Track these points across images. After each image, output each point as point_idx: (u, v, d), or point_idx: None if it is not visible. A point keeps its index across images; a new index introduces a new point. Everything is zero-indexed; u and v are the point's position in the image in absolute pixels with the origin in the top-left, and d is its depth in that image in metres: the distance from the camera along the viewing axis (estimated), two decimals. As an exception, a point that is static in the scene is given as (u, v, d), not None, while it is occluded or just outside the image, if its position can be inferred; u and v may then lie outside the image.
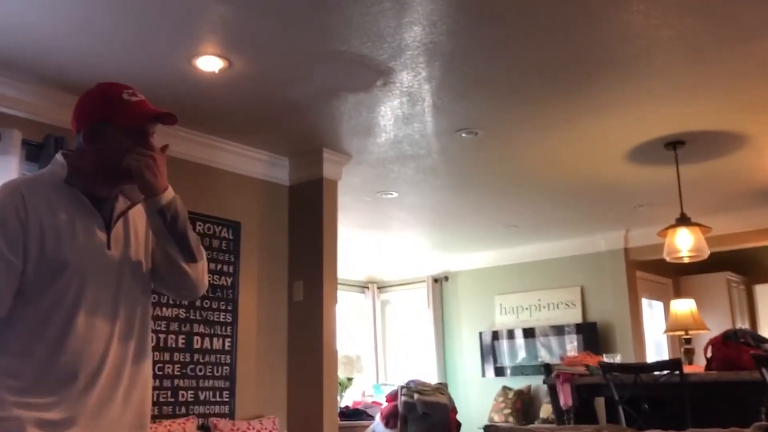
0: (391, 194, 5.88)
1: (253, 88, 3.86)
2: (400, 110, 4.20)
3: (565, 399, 4.22)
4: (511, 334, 7.90)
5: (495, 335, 8.04)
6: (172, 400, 4.15)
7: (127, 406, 1.74)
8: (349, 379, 7.82)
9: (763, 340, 4.05)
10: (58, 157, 1.81)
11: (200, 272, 1.85)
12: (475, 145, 4.80)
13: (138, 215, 1.86)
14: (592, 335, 7.31)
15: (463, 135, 4.58)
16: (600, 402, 4.73)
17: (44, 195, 1.72)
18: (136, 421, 1.77)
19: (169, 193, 1.76)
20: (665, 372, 3.91)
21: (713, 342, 4.04)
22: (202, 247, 1.85)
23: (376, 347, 8.96)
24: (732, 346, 3.91)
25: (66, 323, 1.66)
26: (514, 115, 4.33)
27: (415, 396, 6.12)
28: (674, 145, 4.81)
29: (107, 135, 1.76)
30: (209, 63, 3.53)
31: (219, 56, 3.48)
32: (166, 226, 1.74)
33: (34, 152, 3.69)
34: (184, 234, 1.77)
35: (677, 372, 3.82)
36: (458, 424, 6.32)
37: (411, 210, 6.41)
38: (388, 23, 3.20)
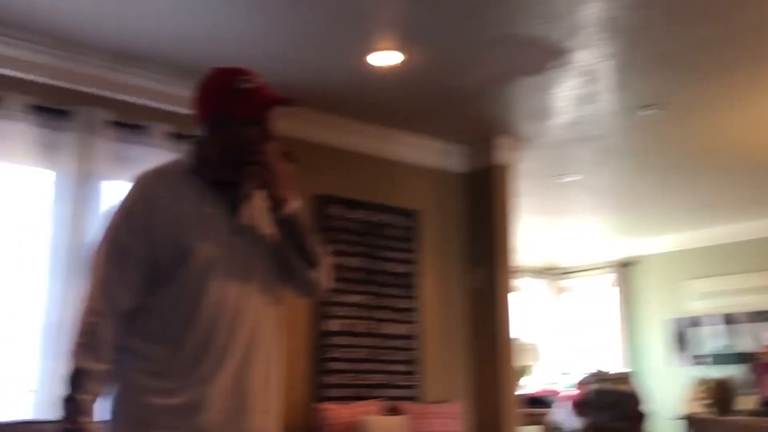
0: (571, 177, 5.71)
1: (426, 78, 3.92)
2: (577, 90, 4.08)
3: (766, 391, 3.90)
4: (706, 321, 7.41)
5: (687, 322, 7.57)
6: (359, 383, 4.33)
7: (261, 389, 1.75)
8: (529, 367, 7.73)
9: None
10: (188, 146, 1.86)
11: (319, 275, 1.85)
12: (659, 123, 4.54)
13: (260, 198, 1.87)
14: (800, 323, 6.67)
15: (647, 112, 4.36)
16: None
17: (171, 184, 1.77)
18: (267, 405, 1.77)
19: (290, 205, 1.80)
20: None
21: None
22: (323, 252, 1.85)
23: (556, 334, 8.77)
24: None
25: (195, 306, 1.69)
26: (699, 89, 4.05)
27: (601, 384, 5.93)
28: None
29: (228, 127, 1.78)
30: (384, 58, 3.64)
31: (393, 50, 3.57)
32: (285, 235, 1.80)
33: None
34: (302, 242, 1.81)
35: None
36: (645, 414, 6.04)
37: (592, 193, 6.19)
38: (562, 2, 3.12)
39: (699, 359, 7.39)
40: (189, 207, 1.76)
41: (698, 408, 6.92)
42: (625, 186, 5.98)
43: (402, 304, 4.59)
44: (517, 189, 5.15)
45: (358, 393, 4.30)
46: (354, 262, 4.44)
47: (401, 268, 4.64)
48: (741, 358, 4.36)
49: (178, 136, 3.62)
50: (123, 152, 3.59)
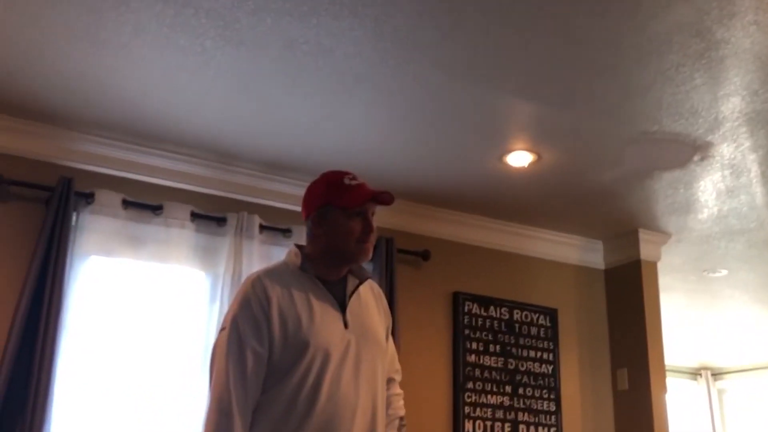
0: (720, 272, 5.42)
1: (562, 176, 3.92)
2: (722, 183, 3.93)
3: None
4: None
5: None
6: (501, 489, 4.18)
7: None
8: (687, 476, 7.14)
9: None
10: (293, 247, 1.97)
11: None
12: (817, 214, 4.27)
13: (367, 292, 1.95)
14: None
15: (803, 204, 4.12)
16: None
17: (283, 282, 1.84)
18: None
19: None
20: None
21: None
22: None
23: (715, 441, 8.09)
24: None
25: (311, 401, 1.73)
26: None
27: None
28: None
29: (331, 217, 1.87)
30: (519, 158, 3.69)
31: (528, 150, 3.62)
32: None
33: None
34: None
35: None
36: None
37: (745, 288, 5.82)
38: (702, 98, 3.08)
39: None
40: (301, 303, 1.83)
41: None
42: (781, 280, 5.59)
43: (543, 405, 4.45)
44: (663, 284, 4.95)
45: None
46: (492, 361, 4.38)
47: (541, 369, 4.52)
48: None
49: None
50: (271, 253, 3.80)
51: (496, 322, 4.48)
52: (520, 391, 4.39)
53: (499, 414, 4.30)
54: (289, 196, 3.98)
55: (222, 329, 1.86)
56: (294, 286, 1.86)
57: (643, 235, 4.68)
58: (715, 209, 4.28)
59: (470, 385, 4.26)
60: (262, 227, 3.82)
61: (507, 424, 4.31)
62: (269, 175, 3.94)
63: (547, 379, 4.51)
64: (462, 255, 4.50)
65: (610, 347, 4.78)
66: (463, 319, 4.36)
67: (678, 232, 4.67)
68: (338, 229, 1.89)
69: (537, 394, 4.45)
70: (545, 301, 4.68)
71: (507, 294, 4.57)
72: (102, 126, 3.48)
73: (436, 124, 3.41)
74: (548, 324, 4.63)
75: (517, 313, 4.55)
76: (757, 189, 3.99)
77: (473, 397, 4.24)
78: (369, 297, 1.98)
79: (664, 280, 5.09)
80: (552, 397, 4.49)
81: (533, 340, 4.55)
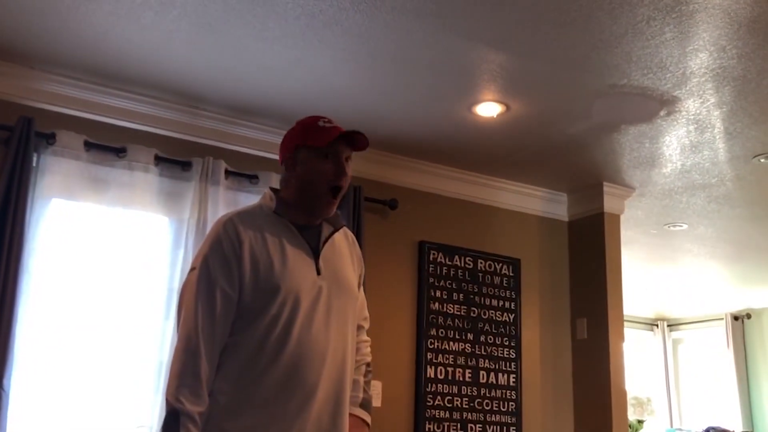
0: (681, 226, 5.53)
1: (529, 128, 3.93)
2: (687, 139, 3.99)
3: None
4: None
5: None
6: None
7: (336, 427, 1.79)
8: (640, 422, 7.42)
9: None
10: (267, 191, 1.95)
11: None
12: (776, 171, 4.36)
13: (342, 240, 1.95)
14: None
15: (762, 161, 4.20)
16: None
17: (255, 225, 1.82)
18: None
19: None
20: None
21: None
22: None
23: (668, 389, 8.39)
24: None
25: (280, 345, 1.73)
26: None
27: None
28: None
29: (303, 157, 1.86)
30: (488, 109, 3.68)
31: (497, 102, 3.62)
32: None
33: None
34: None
35: None
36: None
37: (703, 242, 5.96)
38: (671, 53, 3.09)
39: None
40: (274, 248, 1.81)
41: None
42: (739, 235, 5.73)
43: (503, 353, 4.54)
44: (625, 237, 5.04)
45: (458, 442, 4.27)
46: (455, 309, 4.45)
47: (503, 317, 4.61)
48: None
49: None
50: (237, 200, 3.77)
51: (460, 271, 4.53)
52: (482, 338, 4.48)
53: (461, 360, 4.39)
54: (257, 141, 3.93)
55: (192, 269, 1.84)
56: (267, 230, 1.83)
57: (608, 188, 4.74)
58: (679, 164, 4.35)
59: (433, 332, 4.34)
60: (228, 173, 3.78)
61: (468, 371, 4.40)
62: (236, 119, 3.88)
63: (508, 327, 4.60)
64: (428, 204, 4.52)
65: (570, 297, 4.89)
66: (428, 268, 4.41)
67: (641, 186, 4.74)
68: (310, 170, 1.86)
69: (498, 342, 4.54)
70: (509, 251, 4.74)
71: (472, 244, 4.62)
72: (63, 65, 3.38)
73: (405, 72, 3.37)
74: (511, 273, 4.71)
75: (481, 263, 4.61)
76: (720, 145, 4.05)
77: (435, 344, 4.32)
78: (343, 245, 1.97)
79: (626, 234, 5.18)
80: (512, 344, 4.59)
81: (496, 289, 4.62)
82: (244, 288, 1.76)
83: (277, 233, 1.84)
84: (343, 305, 1.87)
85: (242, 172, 3.85)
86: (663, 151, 4.18)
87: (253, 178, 3.85)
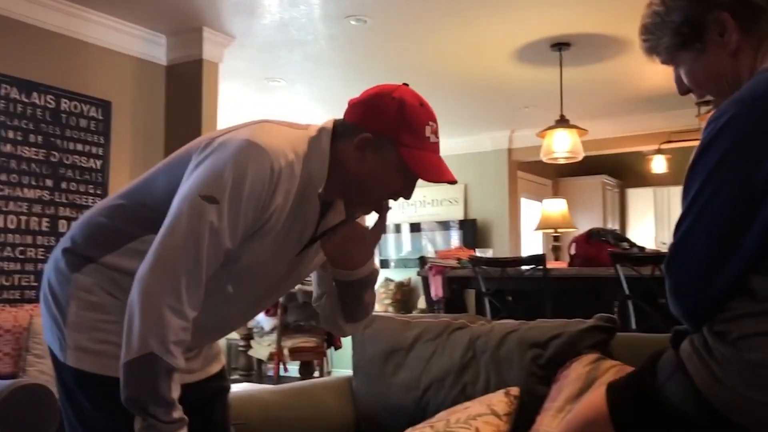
0: (279, 82, 5.68)
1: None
2: (285, -10, 4.00)
3: (436, 290, 4.35)
4: (397, 228, 8.04)
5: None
6: (36, 284, 3.98)
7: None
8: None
9: (622, 239, 4.27)
10: (325, 142, 1.48)
11: (352, 329, 1.69)
12: (364, 34, 4.66)
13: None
14: (472, 231, 7.54)
15: (352, 22, 4.43)
16: (471, 294, 4.92)
17: (291, 184, 1.42)
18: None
19: (371, 266, 1.55)
20: (530, 267, 4.08)
21: (577, 240, 4.23)
22: (371, 309, 1.66)
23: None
24: (594, 244, 4.10)
25: (205, 300, 1.42)
26: (405, 4, 4.21)
27: (297, 287, 6.16)
28: (560, 46, 4.85)
29: (384, 155, 1.45)
30: None
31: None
32: (341, 292, 1.57)
33: None
34: (357, 303, 1.59)
35: (541, 267, 3.99)
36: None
37: (300, 100, 6.25)
38: None
39: (389, 263, 8.04)
40: (280, 227, 1.44)
41: (382, 307, 7.57)
42: (332, 94, 6.09)
43: (87, 201, 4.26)
44: (227, 89, 4.99)
45: (35, 295, 3.96)
46: (32, 152, 4.00)
47: (89, 163, 4.28)
48: (420, 262, 4.77)
49: None
50: None
51: (39, 110, 4.05)
52: (63, 185, 4.13)
53: (37, 208, 4.01)
54: None
55: (209, 199, 1.34)
56: (293, 202, 1.42)
57: (207, 34, 4.60)
58: (278, 16, 4.37)
59: (4, 177, 3.86)
60: None
61: (45, 219, 4.04)
62: None
63: (94, 174, 4.31)
64: (4, 31, 3.88)
65: (165, 143, 4.74)
66: (-2, 104, 3.85)
67: (242, 36, 4.70)
68: (380, 171, 1.45)
69: (82, 189, 4.23)
70: (99, 93, 4.37)
71: (55, 81, 4.14)
72: None
73: None
74: (100, 117, 4.36)
75: (65, 103, 4.17)
76: (316, 1, 4.15)
77: (6, 190, 3.86)
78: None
79: (227, 85, 5.15)
80: (98, 192, 4.32)
81: (82, 133, 4.25)
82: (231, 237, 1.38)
83: (296, 212, 1.44)
84: (285, 291, 1.67)
85: None
86: (262, 1, 4.14)
87: None
